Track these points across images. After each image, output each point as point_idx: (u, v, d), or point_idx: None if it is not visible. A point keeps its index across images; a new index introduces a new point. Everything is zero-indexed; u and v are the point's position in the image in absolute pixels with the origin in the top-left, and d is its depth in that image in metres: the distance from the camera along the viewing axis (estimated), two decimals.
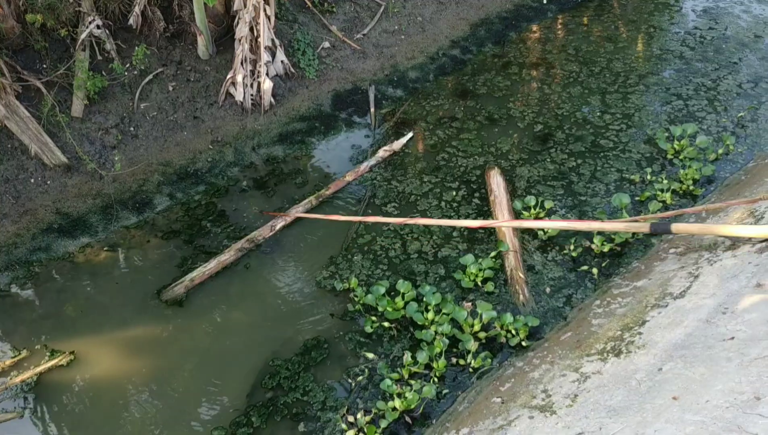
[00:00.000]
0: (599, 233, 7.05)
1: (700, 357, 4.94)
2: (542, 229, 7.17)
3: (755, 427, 3.96)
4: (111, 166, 8.06)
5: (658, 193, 7.61)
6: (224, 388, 5.98)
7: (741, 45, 10.33)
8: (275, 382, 5.97)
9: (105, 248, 7.33)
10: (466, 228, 7.37)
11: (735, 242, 6.26)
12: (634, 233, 7.03)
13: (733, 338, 4.94)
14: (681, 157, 8.12)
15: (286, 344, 6.30)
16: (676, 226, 6.15)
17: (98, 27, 8.40)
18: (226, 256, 7.04)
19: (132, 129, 8.43)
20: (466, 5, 11.29)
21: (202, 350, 6.32)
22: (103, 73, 8.51)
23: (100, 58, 8.56)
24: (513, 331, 6.23)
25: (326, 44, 10.03)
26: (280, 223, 7.49)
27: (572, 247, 7.05)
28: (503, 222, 6.97)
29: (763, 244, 5.98)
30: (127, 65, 8.64)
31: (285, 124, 9.05)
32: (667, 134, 8.45)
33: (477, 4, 11.38)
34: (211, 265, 6.95)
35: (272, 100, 9.09)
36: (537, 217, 7.41)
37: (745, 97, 9.16)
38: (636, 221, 6.76)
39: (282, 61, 9.30)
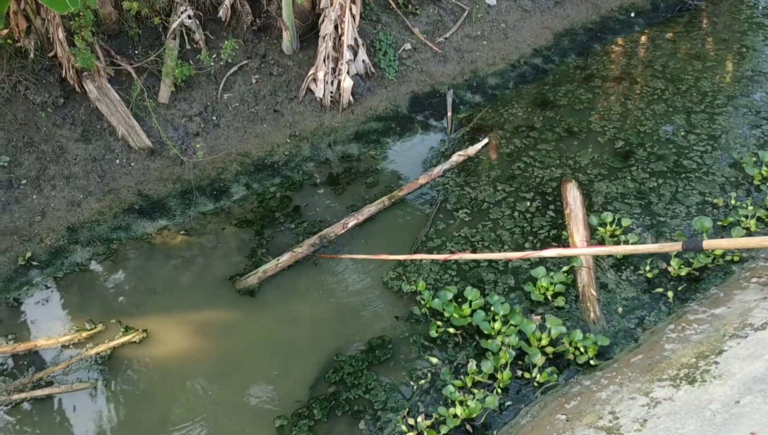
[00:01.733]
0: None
1: None
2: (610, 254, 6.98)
3: None
4: (192, 153, 8.30)
5: (743, 219, 7.31)
6: (288, 379, 6.07)
7: None
8: (338, 377, 6.02)
9: (181, 232, 7.55)
10: (535, 241, 7.27)
11: None
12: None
13: None
14: None
15: (350, 341, 6.35)
16: (707, 243, 5.78)
17: (189, 17, 8.66)
18: (300, 250, 7.13)
19: (214, 118, 8.65)
20: (550, 14, 11.13)
21: (269, 340, 6.43)
22: (191, 62, 8.77)
23: (189, 47, 8.82)
24: (582, 349, 6.10)
25: (407, 46, 10.06)
26: (352, 221, 7.54)
27: (648, 268, 6.85)
28: (544, 251, 6.64)
29: None
30: (214, 56, 8.87)
31: (362, 122, 9.12)
32: (755, 159, 8.13)
33: (562, 13, 11.21)
34: (285, 258, 7.05)
35: (351, 98, 9.18)
36: (613, 234, 7.24)
37: None
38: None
39: (363, 61, 9.38)
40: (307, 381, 6.05)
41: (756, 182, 7.89)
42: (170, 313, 6.72)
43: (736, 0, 11.97)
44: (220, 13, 8.89)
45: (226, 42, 8.73)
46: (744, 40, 10.78)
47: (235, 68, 8.98)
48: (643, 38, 11.01)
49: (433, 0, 10.67)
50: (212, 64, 8.85)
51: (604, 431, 5.03)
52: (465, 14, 10.62)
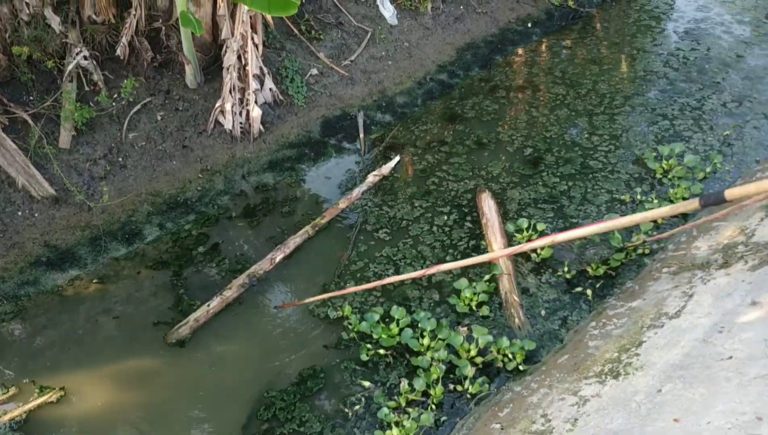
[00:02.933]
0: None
1: (698, 377, 4.91)
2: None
3: None
4: (99, 198, 7.99)
5: None
6: (219, 423, 5.87)
7: (723, 65, 10.48)
8: (271, 414, 5.88)
9: (95, 281, 7.23)
10: (464, 252, 7.35)
11: (727, 261, 6.28)
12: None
13: (731, 358, 4.93)
14: (670, 176, 8.18)
15: (281, 375, 6.21)
16: (729, 192, 5.81)
17: (85, 58, 8.39)
18: (229, 293, 6.93)
19: (120, 159, 8.37)
20: (452, 30, 11.39)
21: (197, 385, 6.20)
22: (91, 103, 8.47)
23: (87, 89, 8.52)
24: (510, 355, 6.19)
25: (314, 71, 10.06)
26: (280, 255, 7.41)
27: (566, 269, 7.04)
28: (533, 243, 6.81)
29: (757, 262, 6.01)
30: (115, 95, 8.61)
31: (275, 151, 9.03)
32: (655, 154, 8.52)
33: (463, 29, 11.49)
34: (215, 303, 6.81)
35: (261, 127, 9.08)
36: (530, 239, 7.41)
37: (729, 116, 9.27)
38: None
39: (270, 89, 9.31)
40: (238, 421, 5.87)
41: (658, 176, 8.26)
42: (89, 368, 6.40)
43: (624, 5, 12.60)
44: (118, 52, 8.64)
45: (126, 81, 8.49)
46: (634, 42, 11.34)
47: (138, 106, 8.73)
48: (542, 47, 11.42)
49: (336, 24, 10.74)
50: (113, 104, 8.58)
51: None
52: (368, 36, 10.73)
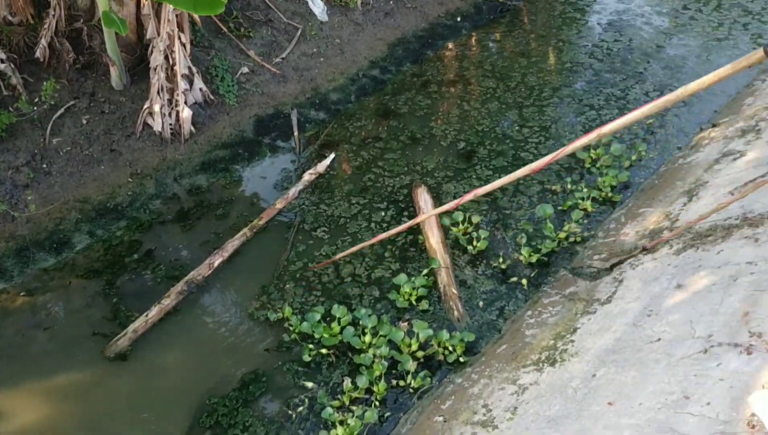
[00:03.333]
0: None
1: (630, 360, 5.11)
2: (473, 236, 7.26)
3: (686, 426, 4.13)
4: (24, 207, 7.68)
5: (579, 201, 7.87)
6: (161, 432, 5.75)
7: (645, 55, 10.87)
8: (213, 421, 5.79)
9: (22, 294, 6.96)
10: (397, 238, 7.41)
11: (654, 247, 6.54)
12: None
13: (659, 340, 5.14)
14: (598, 165, 8.44)
15: (223, 381, 6.12)
16: None
17: (2, 61, 8.03)
18: (168, 301, 6.77)
19: (45, 166, 8.06)
20: (382, 26, 11.42)
21: (135, 396, 6.05)
22: (11, 109, 8.12)
23: (6, 93, 8.17)
24: (450, 348, 6.28)
25: (245, 69, 9.92)
26: (218, 260, 7.29)
27: (501, 260, 7.18)
28: (462, 199, 6.61)
29: (681, 246, 6.28)
30: (36, 100, 8.28)
31: (207, 152, 8.87)
32: None
33: (393, 24, 11.54)
34: (153, 312, 6.65)
35: (192, 128, 8.90)
36: (465, 232, 7.53)
37: None
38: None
39: (200, 89, 9.14)
40: (181, 430, 5.77)
41: (587, 165, 8.52)
42: (20, 385, 6.16)
43: None
44: (37, 54, 8.31)
45: (45, 83, 8.17)
46: (560, 34, 11.64)
47: (61, 111, 8.42)
48: (471, 41, 11.58)
49: (265, 21, 10.61)
50: (35, 108, 8.25)
51: (480, 425, 5.20)
52: (299, 33, 10.65)
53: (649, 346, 5.12)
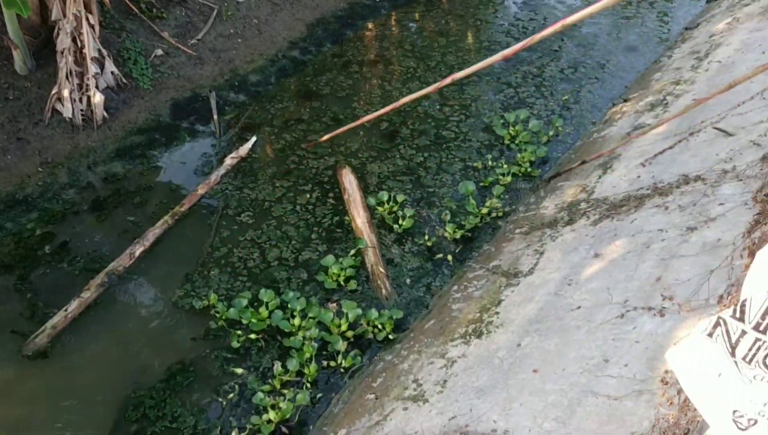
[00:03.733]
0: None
1: (553, 328, 5.29)
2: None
3: (607, 388, 4.32)
4: None
5: (500, 177, 8.04)
6: (85, 429, 5.56)
7: (559, 34, 11.14)
8: (140, 413, 5.65)
9: None
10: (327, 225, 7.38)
11: (572, 218, 6.77)
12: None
13: (579, 307, 5.34)
14: (517, 141, 8.64)
15: (148, 373, 5.97)
16: None
17: None
18: (88, 294, 6.51)
19: None
20: (300, 5, 11.26)
21: (58, 394, 5.82)
22: None
23: None
24: (379, 326, 6.33)
25: (159, 52, 9.59)
26: (139, 249, 7.06)
27: (427, 238, 7.27)
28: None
29: (598, 216, 6.53)
30: None
31: (122, 138, 8.56)
32: (502, 121, 8.95)
33: (311, 4, 11.40)
34: (73, 307, 6.38)
35: (105, 114, 8.56)
36: (391, 211, 7.57)
37: (567, 82, 9.92)
38: None
39: (112, 72, 8.77)
40: (106, 426, 5.59)
41: (506, 142, 8.70)
42: None
43: None
44: None
45: None
46: (477, 14, 11.79)
47: None
48: (391, 21, 11.58)
49: (179, 1, 10.27)
50: None
51: (411, 400, 5.28)
52: (214, 13, 10.37)
53: (570, 314, 5.31)
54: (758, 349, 2.12)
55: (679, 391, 3.59)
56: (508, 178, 7.99)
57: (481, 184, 8.01)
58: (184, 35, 10.01)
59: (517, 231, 7.16)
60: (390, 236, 7.38)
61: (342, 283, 6.79)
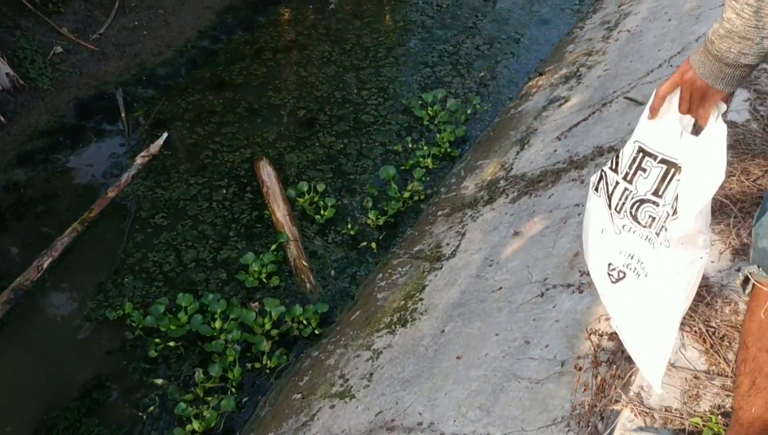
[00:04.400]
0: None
1: (475, 312, 5.25)
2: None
3: (528, 370, 4.29)
4: None
5: (420, 159, 7.96)
6: None
7: (473, 10, 11.12)
8: None
9: None
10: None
11: (492, 196, 6.75)
12: None
13: (500, 288, 5.32)
14: (436, 122, 8.56)
15: (61, 393, 5.64)
16: None
17: None
18: None
19: None
20: None
21: None
22: None
23: None
24: (305, 322, 6.18)
25: (58, 49, 9.07)
26: (47, 261, 6.66)
27: (350, 226, 7.14)
28: None
29: (516, 194, 6.52)
30: None
31: (23, 143, 8.07)
32: (420, 102, 8.85)
33: None
34: None
35: (2, 118, 8.05)
36: (312, 202, 7.40)
37: (483, 58, 9.90)
38: None
39: (7, 74, 8.26)
40: None
41: (425, 123, 8.62)
42: None
43: None
44: None
45: None
46: None
47: None
48: (305, 4, 11.28)
49: None
50: None
51: (338, 397, 5.16)
52: (116, 5, 9.88)
53: (492, 296, 5.28)
54: (626, 198, 2.10)
55: (595, 375, 3.57)
56: (429, 160, 7.91)
57: (402, 167, 7.91)
58: (84, 30, 9.50)
59: (440, 213, 7.11)
60: (312, 228, 7.21)
61: (264, 280, 6.58)
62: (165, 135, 8.35)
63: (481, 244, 6.08)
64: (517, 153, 7.37)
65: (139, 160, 7.95)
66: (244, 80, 9.42)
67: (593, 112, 7.21)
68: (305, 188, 7.48)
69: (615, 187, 2.13)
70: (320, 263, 6.85)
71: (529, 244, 5.59)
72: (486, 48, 10.12)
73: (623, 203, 2.11)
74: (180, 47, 9.91)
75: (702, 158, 1.83)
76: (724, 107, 1.78)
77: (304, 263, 6.72)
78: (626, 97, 6.89)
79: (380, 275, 6.56)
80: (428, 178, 7.77)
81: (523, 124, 8.01)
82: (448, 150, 8.14)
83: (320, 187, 7.51)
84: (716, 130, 1.78)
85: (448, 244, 6.42)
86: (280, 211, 7.23)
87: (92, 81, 9.03)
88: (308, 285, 6.57)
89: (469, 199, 6.98)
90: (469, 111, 8.75)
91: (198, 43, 10.08)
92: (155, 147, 8.16)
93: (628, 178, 2.07)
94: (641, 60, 7.80)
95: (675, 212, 1.94)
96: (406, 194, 7.46)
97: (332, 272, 6.76)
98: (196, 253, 6.88)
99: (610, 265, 2.26)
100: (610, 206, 2.18)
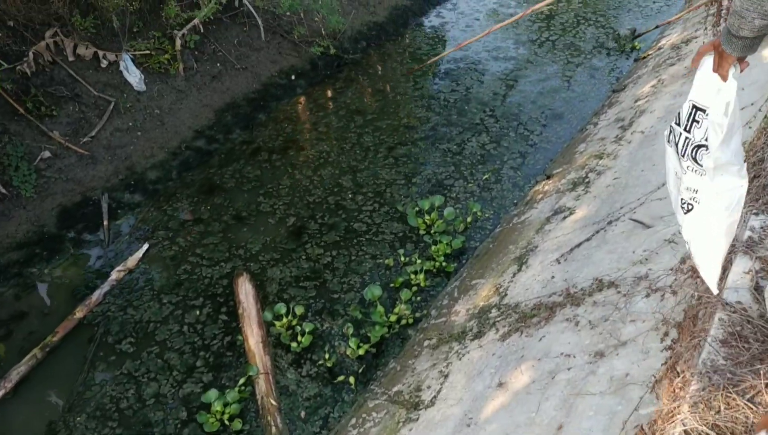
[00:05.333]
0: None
1: None
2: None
3: None
4: None
5: (412, 276, 7.32)
6: None
7: (482, 105, 10.65)
8: None
9: None
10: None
11: (481, 329, 6.04)
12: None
13: None
14: (432, 231, 7.96)
15: None
16: None
17: None
18: None
19: None
20: (209, 90, 10.63)
21: None
22: None
23: None
24: None
25: (46, 154, 8.83)
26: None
27: (327, 356, 6.48)
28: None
29: (507, 329, 5.81)
30: None
31: None
32: (417, 209, 8.28)
33: (221, 87, 10.78)
34: None
35: None
36: (290, 326, 6.79)
37: (488, 159, 9.34)
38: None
39: None
40: None
41: (422, 232, 8.02)
42: None
43: (389, 48, 12.57)
44: None
45: None
46: (398, 87, 11.27)
47: None
48: (307, 100, 11.00)
49: (72, 96, 9.56)
50: None
51: None
52: (111, 107, 9.67)
53: None
54: (687, 145, 2.71)
55: None
56: (421, 277, 7.27)
57: (392, 284, 7.27)
58: (76, 133, 9.27)
59: (426, 344, 6.40)
60: (286, 357, 6.57)
61: (226, 422, 5.93)
62: (145, 247, 7.93)
63: (463, 392, 5.34)
64: (514, 275, 6.68)
65: (114, 275, 7.50)
66: (236, 183, 9.02)
67: (597, 232, 6.51)
68: (283, 310, 6.89)
69: (679, 137, 2.75)
70: (291, 402, 6.17)
71: (512, 403, 4.83)
72: (492, 147, 9.58)
73: (686, 149, 2.71)
74: (174, 148, 9.61)
75: (721, 102, 2.51)
76: (736, 68, 2.46)
77: (273, 402, 6.05)
78: (633, 219, 6.19)
79: (353, 420, 5.83)
80: (418, 299, 7.11)
81: (524, 238, 7.34)
82: (443, 264, 7.50)
83: (299, 310, 6.90)
84: (731, 85, 2.48)
85: (429, 387, 5.69)
86: (253, 338, 6.63)
87: (78, 187, 8.72)
88: (274, 428, 5.87)
89: (458, 330, 6.27)
90: (469, 219, 8.14)
91: (193, 143, 9.77)
92: (133, 260, 7.73)
93: (687, 128, 2.69)
94: (652, 169, 7.13)
95: (707, 148, 2.57)
96: (393, 317, 6.80)
97: (303, 414, 6.07)
98: (158, 386, 6.28)
99: (682, 199, 2.87)
100: (677, 153, 2.80)
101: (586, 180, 7.89)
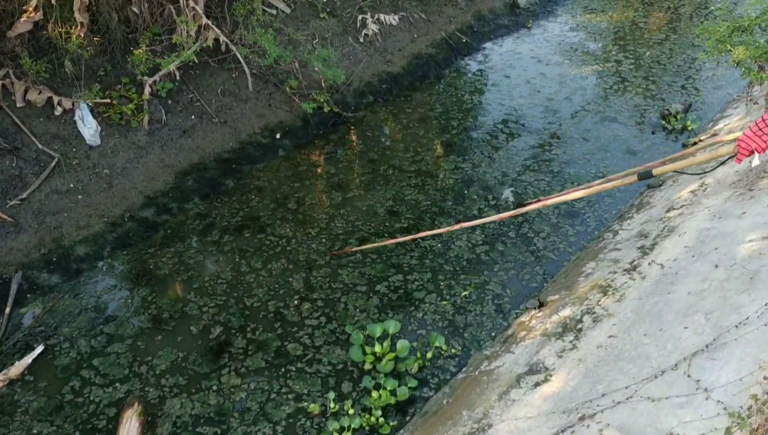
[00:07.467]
0: None
1: None
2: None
3: None
4: None
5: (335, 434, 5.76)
6: None
7: (485, 190, 8.98)
8: None
9: None
10: None
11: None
12: None
13: None
14: (379, 367, 6.37)
15: None
16: (656, 170, 6.58)
17: None
18: None
19: None
20: (175, 147, 9.35)
21: None
22: None
23: None
24: None
25: None
26: None
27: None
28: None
29: None
30: None
31: None
32: (366, 335, 6.70)
33: (191, 145, 9.48)
34: None
35: None
36: None
37: (476, 266, 7.68)
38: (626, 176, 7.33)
39: None
40: None
41: (367, 367, 6.43)
42: None
43: (394, 107, 11.04)
44: None
45: None
46: (393, 158, 9.71)
47: None
48: (286, 166, 9.56)
49: (10, 149, 8.43)
50: None
51: None
52: (53, 163, 8.49)
53: None
54: None
55: None
56: None
57: None
58: (5, 194, 8.12)
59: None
60: None
61: None
62: (39, 349, 6.64)
63: None
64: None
65: None
66: (171, 271, 7.66)
67: (563, 431, 4.79)
68: None
69: None
70: None
71: None
72: (484, 250, 7.89)
73: None
74: (115, 218, 8.34)
75: None
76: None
77: None
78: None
79: None
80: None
81: (482, 403, 5.66)
82: (380, 420, 5.90)
83: None
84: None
85: None
86: None
87: None
88: None
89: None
90: (429, 354, 6.51)
91: (140, 213, 8.48)
92: (17, 368, 6.44)
93: None
94: (657, 337, 5.34)
95: None
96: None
97: None
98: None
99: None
100: None
101: (579, 326, 6.14)
